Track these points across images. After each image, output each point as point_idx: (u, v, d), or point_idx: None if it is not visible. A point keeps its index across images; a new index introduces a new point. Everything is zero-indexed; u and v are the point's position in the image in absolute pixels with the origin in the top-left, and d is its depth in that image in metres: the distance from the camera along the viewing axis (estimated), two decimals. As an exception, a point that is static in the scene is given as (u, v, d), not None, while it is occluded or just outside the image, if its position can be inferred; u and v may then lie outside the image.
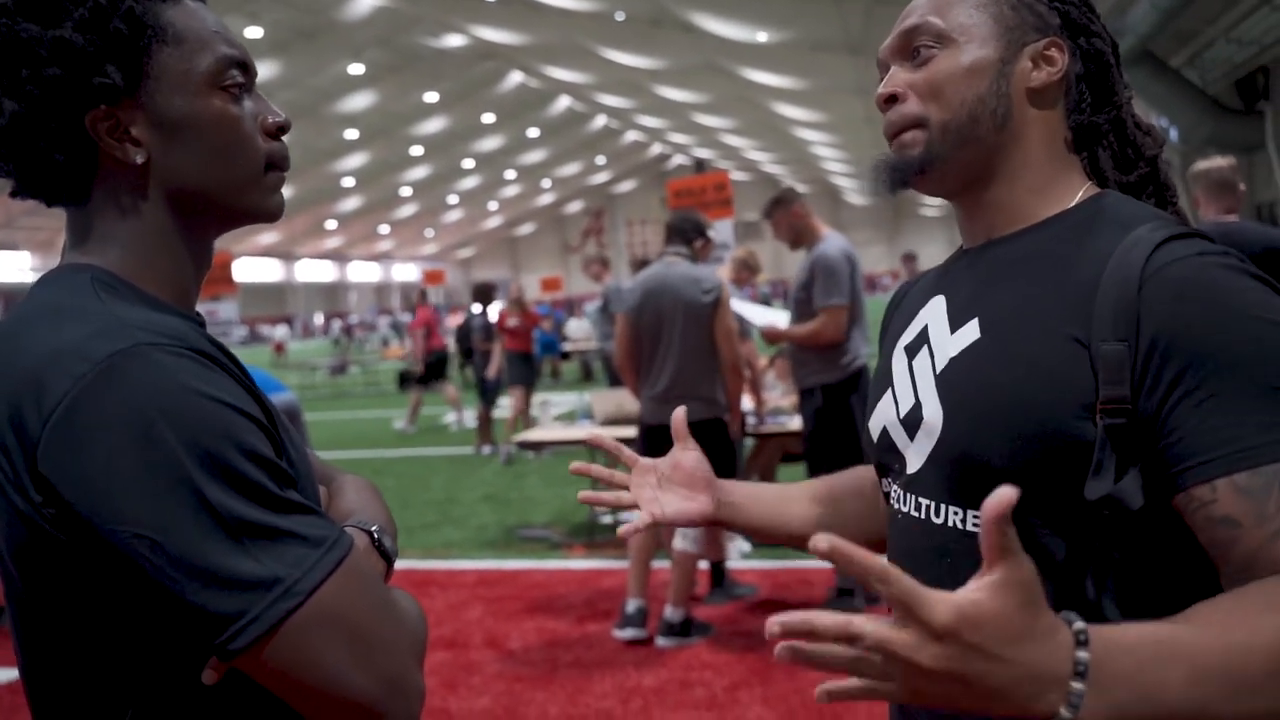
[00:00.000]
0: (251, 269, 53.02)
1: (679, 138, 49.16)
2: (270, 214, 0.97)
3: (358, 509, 0.97)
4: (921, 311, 1.11)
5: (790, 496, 1.33)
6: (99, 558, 0.78)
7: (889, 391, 1.12)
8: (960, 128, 1.03)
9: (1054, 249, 0.99)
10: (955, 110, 1.03)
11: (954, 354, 1.02)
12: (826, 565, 5.17)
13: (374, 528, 0.93)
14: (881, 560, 0.67)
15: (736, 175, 48.12)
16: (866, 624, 0.67)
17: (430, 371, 12.07)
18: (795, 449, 6.09)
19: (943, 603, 0.67)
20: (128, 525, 0.75)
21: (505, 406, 10.57)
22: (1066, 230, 1.00)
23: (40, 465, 0.77)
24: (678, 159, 59.41)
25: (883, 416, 1.12)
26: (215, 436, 0.77)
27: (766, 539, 1.31)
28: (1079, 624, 0.71)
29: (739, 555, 5.50)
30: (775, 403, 5.91)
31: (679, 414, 1.13)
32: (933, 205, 55.50)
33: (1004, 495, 0.65)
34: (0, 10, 0.84)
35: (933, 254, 59.39)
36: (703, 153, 52.24)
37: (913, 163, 1.04)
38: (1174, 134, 18.43)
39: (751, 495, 1.31)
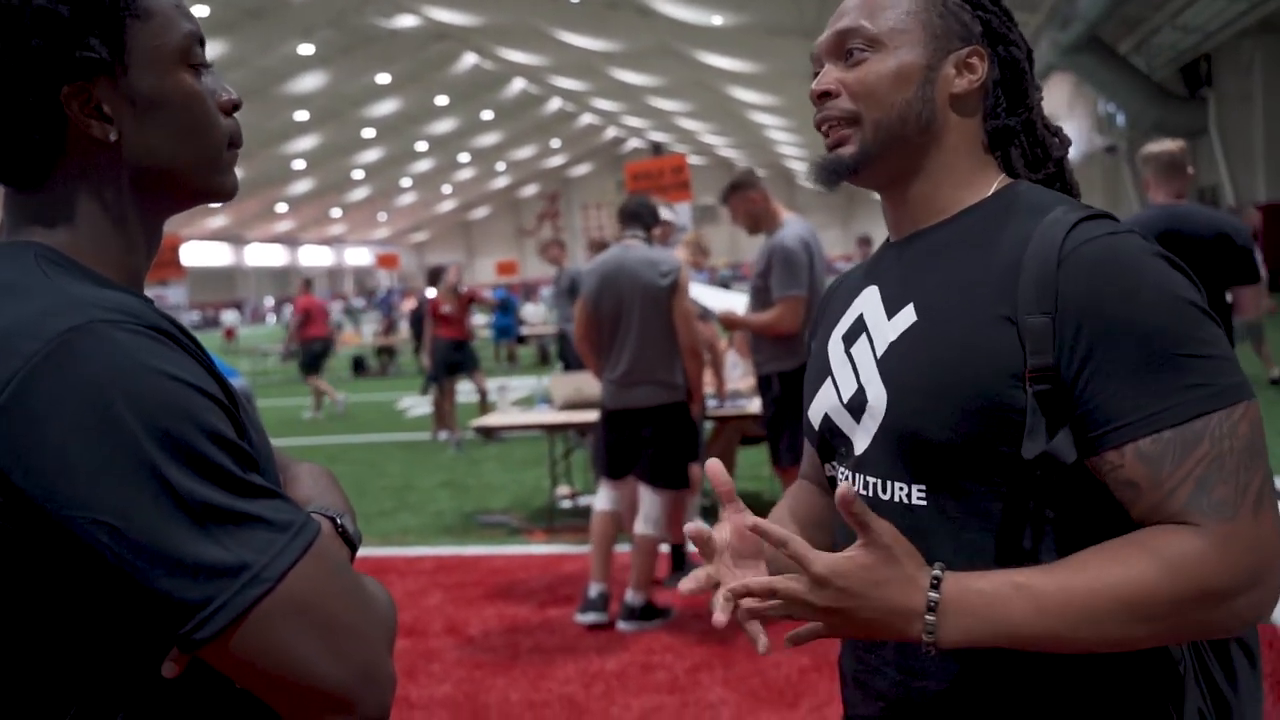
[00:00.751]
0: (200, 253, 52.07)
1: (634, 121, 49.04)
2: (228, 193, 0.95)
3: (315, 496, 0.95)
4: (855, 302, 1.18)
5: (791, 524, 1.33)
6: (53, 546, 0.74)
7: (829, 380, 1.18)
8: (890, 127, 1.10)
9: (977, 234, 1.08)
10: (885, 111, 1.10)
11: (893, 338, 1.09)
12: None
13: (336, 513, 0.91)
14: (782, 531, 0.94)
15: (693, 159, 48.08)
16: (779, 581, 0.94)
17: (307, 360, 12.37)
18: (753, 432, 6.12)
19: (820, 559, 0.92)
20: (85, 511, 0.71)
21: (468, 392, 10.50)
22: (987, 217, 1.09)
23: None
24: (633, 142, 59.27)
25: (824, 403, 1.18)
26: (176, 417, 0.74)
27: None
28: (936, 572, 0.94)
29: (698, 538, 5.51)
30: (734, 384, 5.92)
31: (716, 471, 1.10)
32: (886, 189, 55.93)
33: (844, 491, 0.90)
34: None
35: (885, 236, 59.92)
36: (658, 136, 52.15)
37: (846, 161, 1.12)
38: (1121, 119, 18.73)
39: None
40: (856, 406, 1.12)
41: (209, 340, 28.55)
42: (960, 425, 1.00)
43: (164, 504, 0.72)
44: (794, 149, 46.36)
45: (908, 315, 1.08)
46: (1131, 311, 0.95)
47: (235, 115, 0.95)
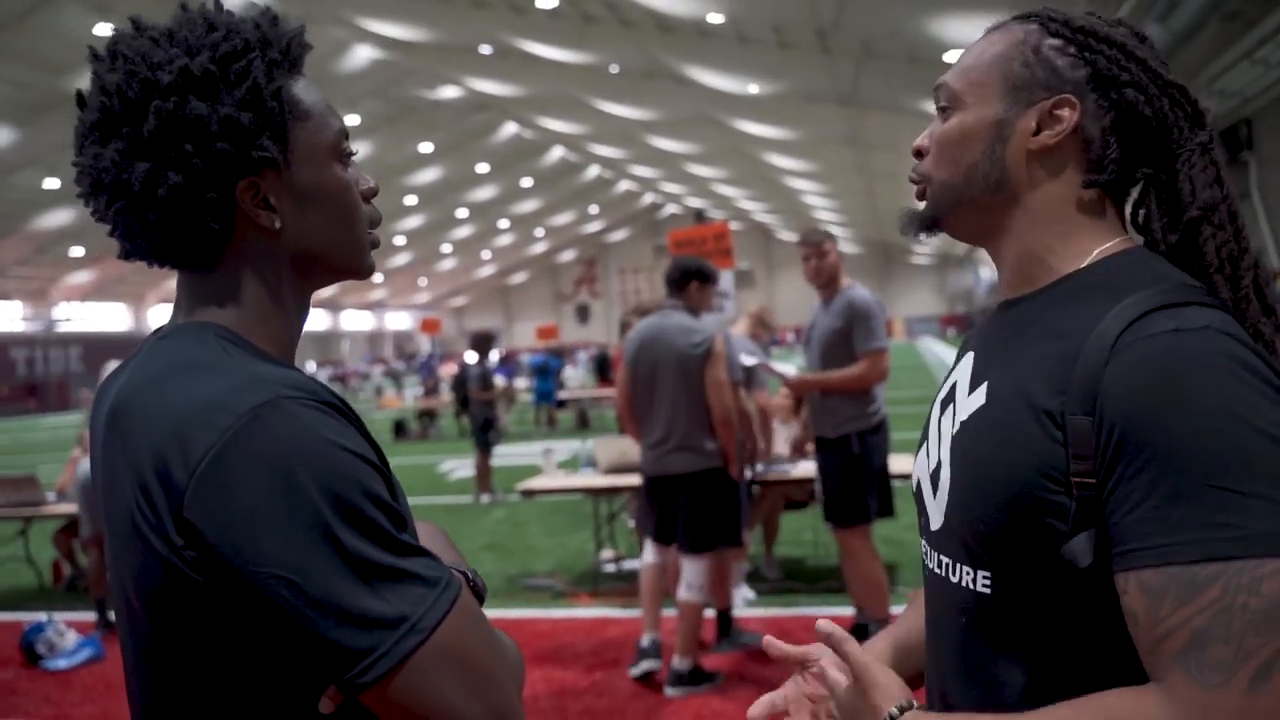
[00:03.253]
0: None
1: (671, 187, 49.62)
2: (369, 271, 1.05)
3: (439, 552, 1.02)
4: (958, 366, 1.13)
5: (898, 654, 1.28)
6: (234, 597, 0.83)
7: (924, 445, 1.14)
8: (955, 189, 1.05)
9: (1050, 316, 0.98)
10: (951, 173, 1.05)
11: (964, 417, 1.03)
12: (831, 612, 5.18)
13: (466, 569, 0.99)
14: (850, 650, 1.00)
15: (730, 224, 48.49)
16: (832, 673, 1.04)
17: None
18: (797, 496, 6.12)
19: (839, 681, 1.02)
20: (269, 566, 0.81)
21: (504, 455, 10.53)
22: (1073, 293, 0.98)
23: (186, 512, 0.83)
24: (670, 208, 59.93)
25: (919, 469, 1.14)
26: (347, 484, 0.83)
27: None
28: (894, 710, 0.96)
29: (745, 603, 5.50)
30: (778, 448, 5.94)
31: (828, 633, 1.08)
32: (923, 254, 55.95)
33: (821, 627, 1.01)
34: (167, 89, 0.89)
35: (922, 299, 59.72)
36: (695, 202, 52.60)
37: (920, 219, 1.10)
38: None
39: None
40: (935, 480, 1.07)
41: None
42: (1006, 522, 0.94)
43: (336, 562, 0.81)
44: (830, 214, 46.60)
45: (980, 395, 1.02)
46: (1171, 426, 0.84)
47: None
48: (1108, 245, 1.01)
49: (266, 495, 0.81)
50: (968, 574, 1.00)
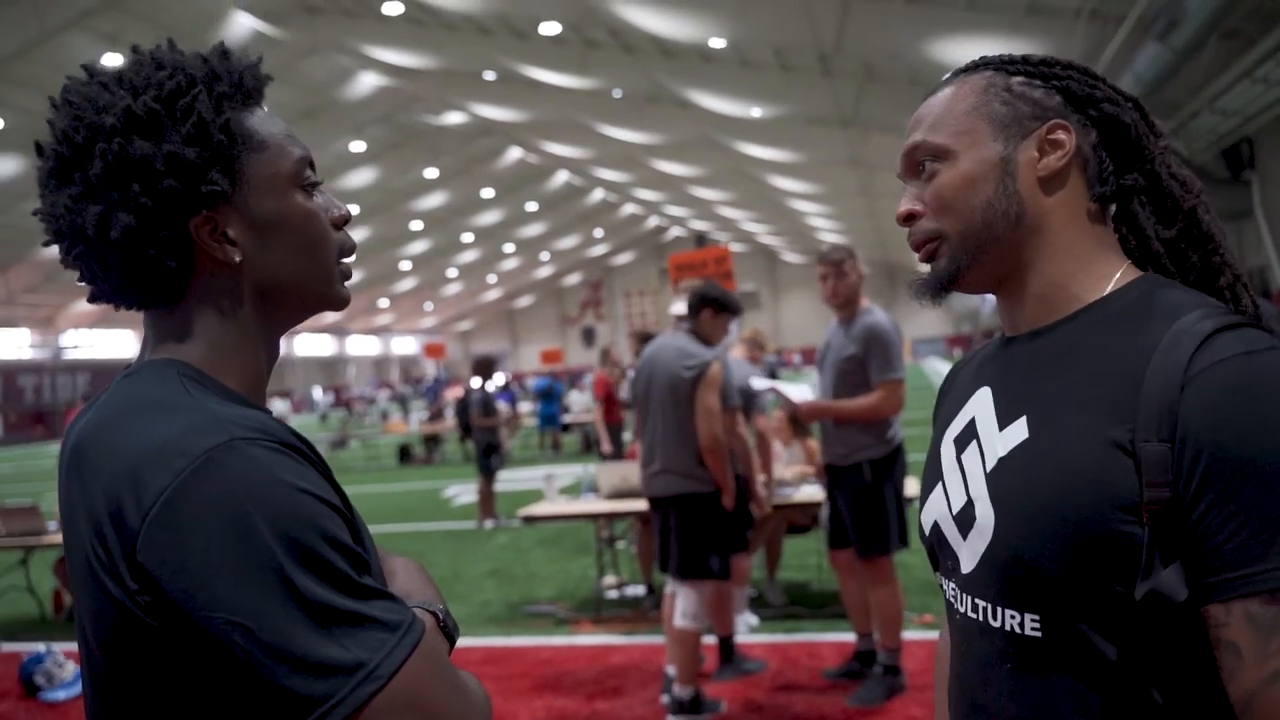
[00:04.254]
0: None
1: (676, 210, 49.78)
2: (343, 302, 1.04)
3: (413, 590, 1.01)
4: (969, 402, 1.10)
5: None
6: (189, 643, 0.81)
7: (940, 485, 1.10)
8: (976, 234, 1.03)
9: (1096, 341, 0.97)
10: (967, 219, 1.03)
11: (1003, 453, 1.00)
12: (835, 638, 5.14)
13: (438, 608, 0.97)
14: None
15: (734, 246, 48.55)
16: None
17: None
18: (800, 521, 6.08)
19: None
20: (222, 612, 0.79)
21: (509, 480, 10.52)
22: (1107, 320, 0.99)
23: (139, 555, 0.81)
24: (675, 231, 60.07)
25: (934, 510, 1.10)
26: (304, 527, 0.81)
27: None
28: None
29: (747, 630, 5.45)
30: (779, 473, 5.90)
31: None
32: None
33: None
34: (111, 131, 0.89)
35: (928, 321, 59.64)
36: (700, 224, 52.81)
37: (941, 275, 1.06)
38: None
39: None
40: (964, 521, 1.03)
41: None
42: (1069, 558, 0.90)
43: (291, 608, 0.79)
44: (834, 235, 46.66)
45: (1019, 429, 0.99)
46: (1262, 448, 0.84)
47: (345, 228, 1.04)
48: (1123, 269, 1.03)
49: (220, 539, 0.79)
50: (1012, 618, 0.97)
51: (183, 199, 0.91)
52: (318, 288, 1.00)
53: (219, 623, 0.79)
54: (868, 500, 4.32)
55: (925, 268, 1.11)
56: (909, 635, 4.68)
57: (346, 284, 1.04)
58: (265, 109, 1.00)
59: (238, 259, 0.94)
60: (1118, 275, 1.03)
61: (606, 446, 9.35)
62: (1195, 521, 0.86)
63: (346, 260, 1.04)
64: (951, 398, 1.17)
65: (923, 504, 1.15)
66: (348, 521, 0.87)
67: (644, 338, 7.39)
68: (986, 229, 1.03)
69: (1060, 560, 0.91)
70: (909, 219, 1.08)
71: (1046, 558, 0.92)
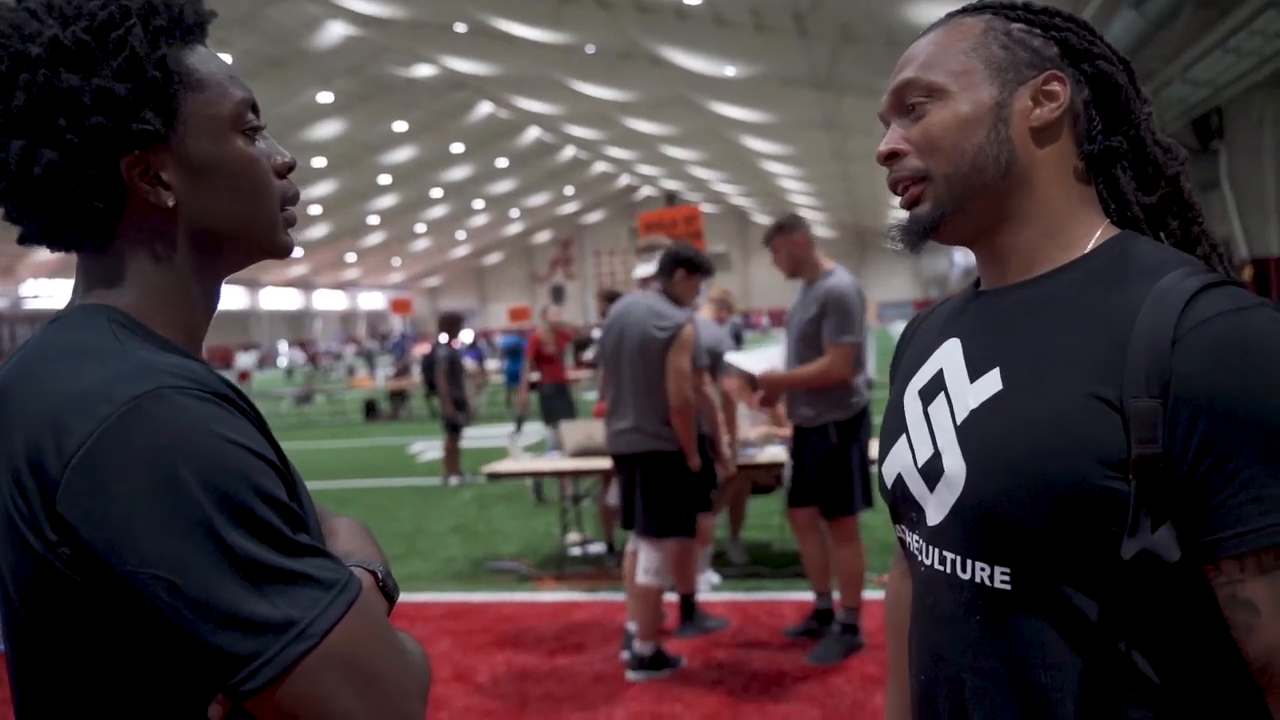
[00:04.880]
0: (215, 296, 52.26)
1: (647, 169, 49.47)
2: (284, 250, 0.99)
3: (353, 550, 0.97)
4: (936, 353, 1.08)
5: None
6: (112, 597, 0.78)
7: (903, 437, 1.08)
8: (965, 178, 1.00)
9: (1077, 298, 0.96)
10: (956, 162, 1.00)
11: (974, 405, 0.99)
12: (796, 597, 5.17)
13: (378, 568, 0.93)
14: None
15: (705, 207, 48.48)
16: None
17: None
18: (764, 481, 6.10)
19: None
20: (146, 567, 0.75)
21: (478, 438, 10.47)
22: (1088, 277, 0.98)
23: (59, 506, 0.77)
24: (646, 190, 59.75)
25: (897, 463, 1.09)
26: (234, 480, 0.78)
27: None
28: None
29: (709, 588, 5.48)
30: (743, 434, 5.90)
31: None
32: (898, 238, 56.02)
33: None
34: (36, 61, 0.83)
35: (897, 286, 60.07)
36: (671, 184, 52.57)
37: (924, 220, 1.03)
38: (1133, 171, 18.77)
39: None
40: (931, 474, 1.02)
41: (222, 383, 28.64)
42: (1047, 513, 0.90)
43: (219, 562, 0.76)
44: (805, 198, 46.66)
45: (992, 381, 0.98)
46: (1261, 405, 0.84)
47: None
48: (1103, 226, 1.02)
49: (144, 490, 0.75)
50: (982, 570, 0.96)
51: (112, 137, 0.85)
52: (257, 236, 0.96)
53: (143, 577, 0.75)
54: (833, 462, 4.36)
55: (899, 218, 1.07)
56: (870, 595, 4.72)
57: (291, 231, 0.99)
58: (207, 47, 0.94)
59: (171, 203, 0.89)
60: (1098, 234, 1.01)
61: (524, 407, 9.23)
62: (1196, 479, 0.85)
63: (290, 208, 0.99)
64: (913, 351, 1.15)
65: (883, 458, 1.13)
66: (283, 477, 0.84)
67: (610, 297, 7.34)
68: (976, 173, 1.00)
69: (1037, 514, 0.90)
70: (891, 157, 1.04)
71: (1022, 511, 0.91)
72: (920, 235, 1.04)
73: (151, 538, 0.75)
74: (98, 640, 0.81)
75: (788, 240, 4.43)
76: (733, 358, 4.89)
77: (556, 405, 9.19)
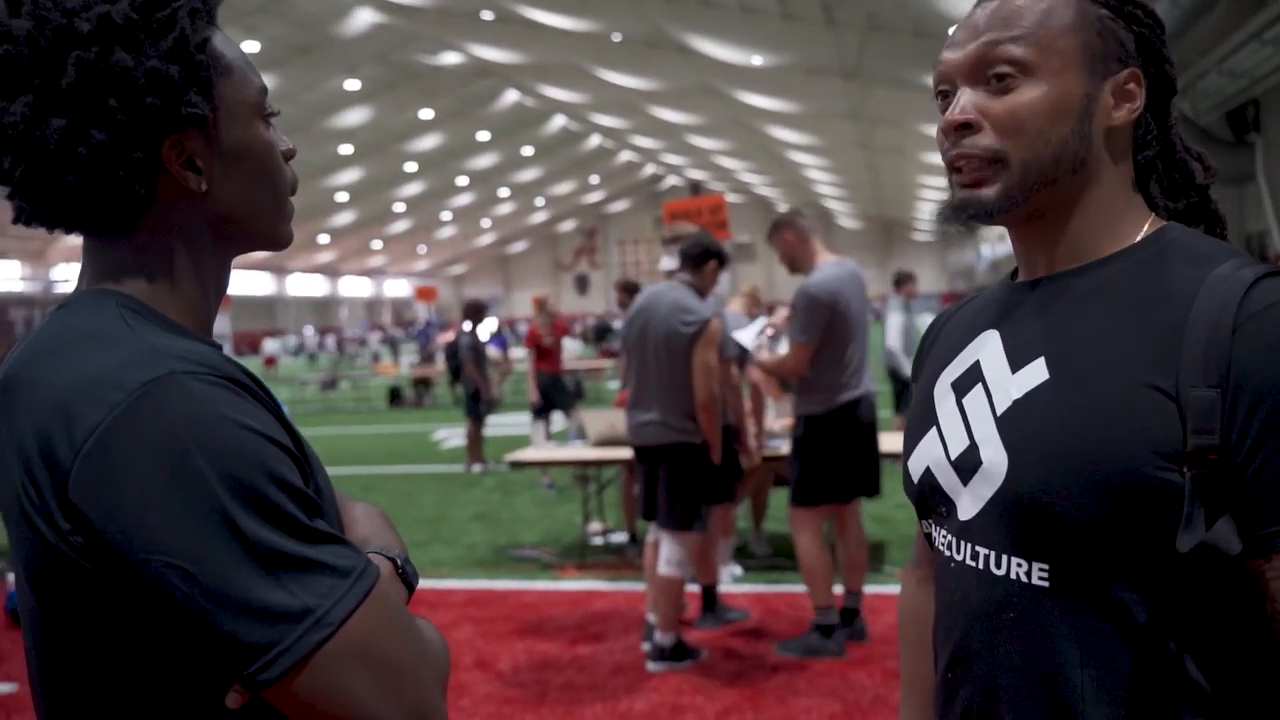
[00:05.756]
0: (242, 282, 52.85)
1: (673, 159, 49.34)
2: (287, 241, 0.99)
3: (372, 536, 0.96)
4: (970, 346, 1.04)
5: None
6: (127, 586, 0.77)
7: (933, 430, 1.05)
8: (1041, 169, 0.94)
9: (1129, 285, 0.93)
10: (1039, 151, 0.94)
11: (1018, 395, 0.95)
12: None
13: (396, 554, 0.92)
14: None
15: (731, 197, 48.26)
16: None
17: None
18: (787, 474, 6.08)
19: None
20: (160, 555, 0.74)
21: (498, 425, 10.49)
22: (1140, 265, 0.94)
23: (71, 494, 0.76)
24: (671, 180, 59.60)
25: (926, 456, 1.05)
26: (249, 466, 0.77)
27: None
28: None
29: (731, 579, 5.47)
30: (769, 425, 5.89)
31: None
32: (924, 230, 55.76)
33: None
34: (88, 38, 0.81)
35: (924, 278, 59.56)
36: (696, 174, 52.41)
37: (987, 206, 0.96)
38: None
39: None
40: (966, 466, 0.98)
41: (249, 367, 28.97)
42: (1097, 505, 0.86)
43: (234, 550, 0.74)
44: (831, 188, 46.39)
45: (1037, 371, 0.94)
46: None
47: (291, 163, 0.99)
48: (1152, 218, 0.99)
49: (157, 477, 0.74)
50: (1019, 566, 0.93)
51: (161, 119, 0.84)
52: (270, 223, 0.96)
53: (157, 566, 0.74)
54: (797, 452, 4.41)
55: (957, 196, 0.99)
56: (888, 589, 4.68)
57: (290, 223, 0.99)
58: (223, 31, 0.93)
59: (203, 187, 0.88)
60: (1146, 225, 0.98)
61: (534, 398, 9.20)
62: (1253, 470, 0.83)
63: (292, 196, 0.99)
64: (942, 345, 1.12)
65: (909, 452, 1.09)
66: (299, 463, 0.82)
67: (629, 288, 7.34)
68: (1053, 165, 0.95)
69: (1086, 506, 0.87)
70: (963, 128, 0.96)
71: (1070, 503, 0.88)
72: (976, 220, 0.98)
73: (166, 525, 0.74)
74: (112, 629, 0.80)
75: (779, 238, 4.50)
76: (740, 335, 4.89)
77: (554, 395, 9.21)
